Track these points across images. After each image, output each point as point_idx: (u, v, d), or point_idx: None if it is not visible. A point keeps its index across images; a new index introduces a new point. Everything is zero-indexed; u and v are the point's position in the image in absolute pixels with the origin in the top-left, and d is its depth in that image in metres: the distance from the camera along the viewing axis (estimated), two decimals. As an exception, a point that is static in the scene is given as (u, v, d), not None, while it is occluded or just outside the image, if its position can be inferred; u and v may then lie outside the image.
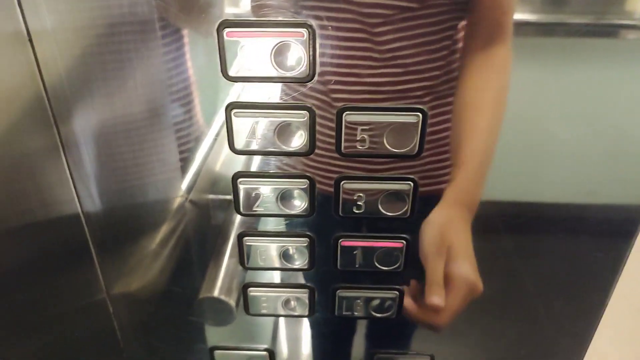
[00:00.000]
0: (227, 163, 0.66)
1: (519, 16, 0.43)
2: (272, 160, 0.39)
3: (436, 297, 0.46)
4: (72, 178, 0.39)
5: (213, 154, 0.76)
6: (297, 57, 0.33)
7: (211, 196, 0.76)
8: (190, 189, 0.68)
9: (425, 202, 0.49)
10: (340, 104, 0.35)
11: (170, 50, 0.52)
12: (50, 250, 0.42)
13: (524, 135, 0.47)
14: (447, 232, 0.46)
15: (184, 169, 0.74)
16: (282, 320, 0.53)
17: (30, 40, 0.33)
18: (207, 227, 0.76)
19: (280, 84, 0.36)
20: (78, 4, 0.34)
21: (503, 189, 0.49)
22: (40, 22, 0.33)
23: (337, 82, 0.45)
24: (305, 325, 0.52)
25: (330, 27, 0.34)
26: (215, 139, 0.75)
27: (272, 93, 0.37)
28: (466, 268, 0.47)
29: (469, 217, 0.46)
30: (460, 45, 0.48)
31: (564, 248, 0.52)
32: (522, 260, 0.53)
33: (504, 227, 0.50)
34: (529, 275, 0.54)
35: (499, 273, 0.51)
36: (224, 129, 0.39)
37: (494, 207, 0.48)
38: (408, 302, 0.47)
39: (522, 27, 0.41)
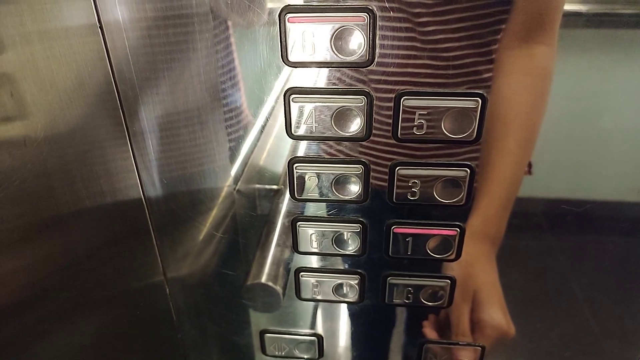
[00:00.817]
0: (272, 154, 0.67)
1: (567, 7, 0.40)
2: (324, 146, 0.40)
3: (463, 351, 0.43)
4: (136, 164, 0.41)
5: (260, 145, 0.78)
6: (357, 42, 0.33)
7: (258, 186, 0.78)
8: (237, 178, 0.70)
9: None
10: (379, 95, 0.35)
11: (220, 41, 0.54)
12: (116, 233, 0.44)
13: (573, 130, 0.46)
14: (473, 274, 0.43)
15: (232, 159, 0.75)
16: (327, 307, 0.53)
17: (102, 31, 0.35)
18: (254, 216, 0.78)
19: (327, 73, 0.36)
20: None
21: (550, 185, 0.48)
22: (112, 13, 0.34)
23: (386, 81, 0.45)
24: (347, 313, 0.53)
25: (391, 10, 0.34)
26: (261, 131, 0.76)
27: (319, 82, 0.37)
28: (496, 314, 0.44)
29: (493, 253, 0.42)
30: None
31: (611, 247, 0.50)
32: (568, 259, 0.52)
33: (549, 225, 0.48)
34: (575, 275, 0.52)
35: (545, 273, 0.50)
36: (271, 118, 0.39)
37: (541, 205, 0.47)
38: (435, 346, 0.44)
39: (570, 18, 0.39)
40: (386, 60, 0.35)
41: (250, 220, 0.76)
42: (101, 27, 0.35)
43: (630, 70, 0.49)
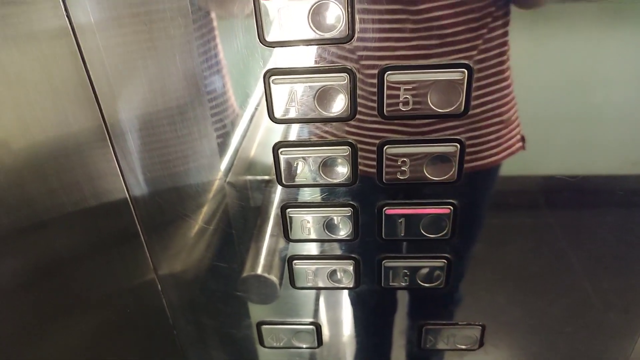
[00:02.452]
0: (263, 143, 0.65)
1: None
2: (312, 128, 0.39)
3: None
4: (119, 166, 0.40)
5: (250, 135, 0.77)
6: (335, 16, 0.32)
7: (249, 177, 0.77)
8: (228, 171, 0.69)
9: (471, 168, 0.47)
10: (363, 71, 0.34)
11: (202, 34, 0.52)
12: (103, 235, 0.43)
13: (564, 105, 0.45)
14: None
15: (221, 152, 0.74)
16: (324, 294, 0.52)
17: (74, 34, 0.33)
18: (247, 208, 0.77)
19: (314, 50, 0.35)
20: None
21: (545, 161, 0.47)
22: (83, 15, 0.33)
23: (368, 57, 0.43)
24: (344, 299, 0.52)
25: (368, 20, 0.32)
26: (250, 120, 0.74)
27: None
28: None
29: None
30: (502, 12, 0.45)
31: (609, 220, 0.49)
32: (567, 235, 0.51)
33: (546, 201, 0.47)
34: (574, 250, 0.51)
35: (544, 249, 0.49)
36: (260, 107, 0.38)
37: (536, 181, 0.46)
38: None
39: None
40: (367, 35, 0.34)
41: (242, 212, 0.74)
42: (72, 29, 0.33)
43: (617, 41, 0.47)
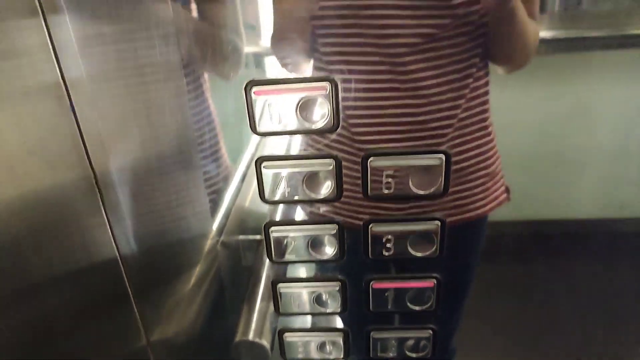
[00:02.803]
0: (254, 203, 0.67)
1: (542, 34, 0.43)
2: (301, 206, 0.41)
3: None
4: (109, 221, 0.41)
5: (241, 196, 0.78)
6: (321, 112, 0.35)
7: (241, 237, 0.78)
8: (220, 230, 0.70)
9: (455, 230, 0.49)
10: (362, 138, 0.37)
11: (196, 95, 0.55)
12: (92, 296, 0.43)
13: (548, 151, 0.48)
14: None
15: (213, 211, 0.75)
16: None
17: (67, 90, 0.35)
18: (239, 269, 0.77)
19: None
20: (110, 52, 0.36)
21: (532, 208, 0.49)
22: (75, 70, 0.35)
23: (358, 116, 0.46)
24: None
25: (353, 80, 0.35)
26: (242, 181, 0.76)
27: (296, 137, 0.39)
28: None
29: None
30: (483, 72, 0.49)
31: (598, 264, 0.51)
32: (556, 279, 0.53)
33: (534, 247, 0.49)
34: (564, 295, 0.53)
35: (532, 292, 0.51)
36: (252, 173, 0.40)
37: (524, 227, 0.48)
38: None
39: (545, 44, 0.41)
40: (361, 103, 0.37)
41: (235, 273, 0.75)
42: (66, 85, 0.34)
43: (601, 90, 0.51)
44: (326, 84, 0.34)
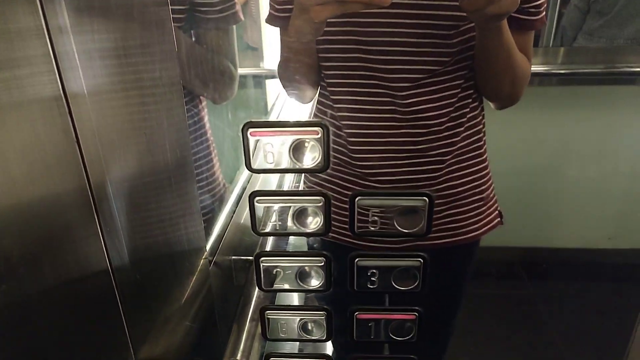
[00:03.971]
0: (247, 222, 0.67)
1: (537, 68, 0.46)
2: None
3: None
4: (102, 232, 0.41)
5: (236, 216, 0.80)
6: (312, 155, 0.37)
7: (234, 257, 0.80)
8: (214, 249, 0.72)
9: (449, 251, 0.51)
10: (363, 163, 0.38)
11: (193, 114, 0.57)
12: (82, 309, 0.43)
13: (542, 181, 0.49)
14: None
15: (207, 230, 0.77)
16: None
17: (67, 102, 0.35)
18: (230, 288, 0.79)
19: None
20: (110, 66, 0.38)
21: (524, 235, 0.51)
22: (77, 86, 0.35)
23: (359, 143, 0.48)
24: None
25: (356, 110, 0.37)
26: (237, 203, 0.78)
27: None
28: None
29: None
30: (478, 103, 0.52)
31: (585, 293, 0.53)
32: (547, 306, 0.54)
33: (527, 274, 0.51)
34: (551, 320, 0.54)
35: (522, 319, 0.52)
36: (249, 186, 0.42)
37: (515, 254, 0.50)
38: None
39: (539, 78, 0.43)
40: (363, 131, 0.39)
41: (226, 292, 0.77)
42: (67, 100, 0.34)
43: (592, 123, 0.54)
44: (318, 129, 0.37)
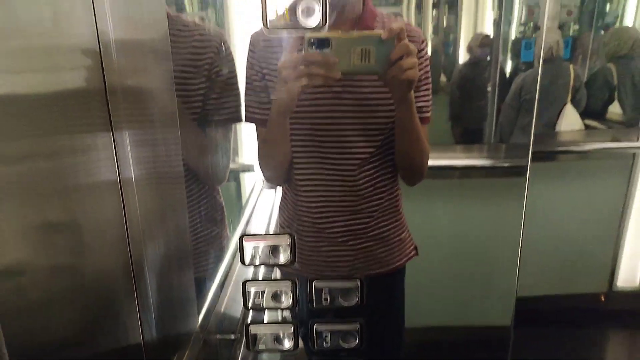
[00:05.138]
0: (232, 299, 0.80)
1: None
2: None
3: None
4: (138, 307, 0.43)
5: (220, 299, 0.93)
6: (285, 255, 0.58)
7: (219, 336, 0.92)
8: (204, 327, 0.82)
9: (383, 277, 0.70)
10: (321, 221, 0.57)
11: (207, 195, 0.74)
12: None
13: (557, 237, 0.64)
14: None
15: (199, 308, 0.89)
16: None
17: (120, 186, 0.39)
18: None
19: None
20: (152, 157, 0.44)
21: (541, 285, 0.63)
22: (128, 172, 0.40)
23: (319, 207, 0.69)
24: None
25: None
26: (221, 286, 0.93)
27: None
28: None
29: None
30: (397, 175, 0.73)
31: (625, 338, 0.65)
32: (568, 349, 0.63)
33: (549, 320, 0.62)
34: None
35: None
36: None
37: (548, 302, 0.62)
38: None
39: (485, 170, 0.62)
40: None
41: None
42: (120, 184, 0.38)
43: (596, 191, 0.76)
44: (287, 237, 0.58)
